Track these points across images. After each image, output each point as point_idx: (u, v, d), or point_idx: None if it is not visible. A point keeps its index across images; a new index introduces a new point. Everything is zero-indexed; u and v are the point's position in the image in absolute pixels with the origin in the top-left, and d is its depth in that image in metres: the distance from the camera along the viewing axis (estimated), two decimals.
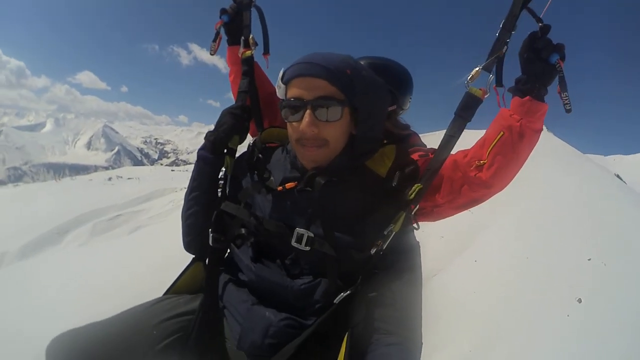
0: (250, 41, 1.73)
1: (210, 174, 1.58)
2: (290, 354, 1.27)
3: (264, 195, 1.43)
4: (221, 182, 1.58)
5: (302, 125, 1.26)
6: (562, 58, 1.23)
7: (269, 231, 1.37)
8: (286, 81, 1.32)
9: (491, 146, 1.31)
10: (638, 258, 6.26)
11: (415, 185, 1.30)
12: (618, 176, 17.79)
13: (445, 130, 1.36)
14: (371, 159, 1.43)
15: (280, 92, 1.36)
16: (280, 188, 1.37)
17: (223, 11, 1.75)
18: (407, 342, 1.25)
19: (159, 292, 1.68)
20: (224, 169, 1.60)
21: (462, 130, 1.34)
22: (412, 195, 1.30)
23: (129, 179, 34.51)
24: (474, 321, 5.44)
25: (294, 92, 1.29)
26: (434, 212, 1.53)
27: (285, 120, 1.34)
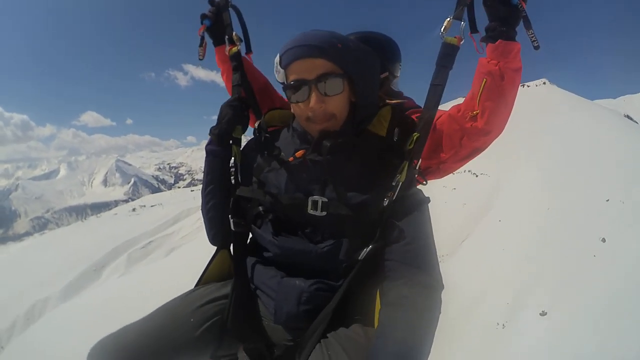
0: (234, 38, 1.81)
1: (221, 166, 1.64)
2: (328, 319, 1.29)
3: (276, 171, 1.46)
4: (232, 170, 1.64)
5: (311, 103, 1.31)
6: None
7: (285, 205, 1.40)
8: (285, 65, 1.36)
9: (479, 95, 1.39)
10: None
11: (413, 134, 1.37)
12: (628, 116, 17.72)
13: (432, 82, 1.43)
14: (371, 123, 1.49)
15: (280, 76, 1.42)
16: (291, 159, 1.41)
17: (204, 16, 1.82)
18: (419, 289, 1.24)
19: None
20: (232, 159, 1.65)
21: (446, 79, 1.41)
22: (412, 145, 1.36)
23: (152, 206, 34.86)
24: (507, 277, 5.56)
25: (295, 74, 1.33)
26: (440, 169, 1.63)
27: (291, 102, 1.39)
